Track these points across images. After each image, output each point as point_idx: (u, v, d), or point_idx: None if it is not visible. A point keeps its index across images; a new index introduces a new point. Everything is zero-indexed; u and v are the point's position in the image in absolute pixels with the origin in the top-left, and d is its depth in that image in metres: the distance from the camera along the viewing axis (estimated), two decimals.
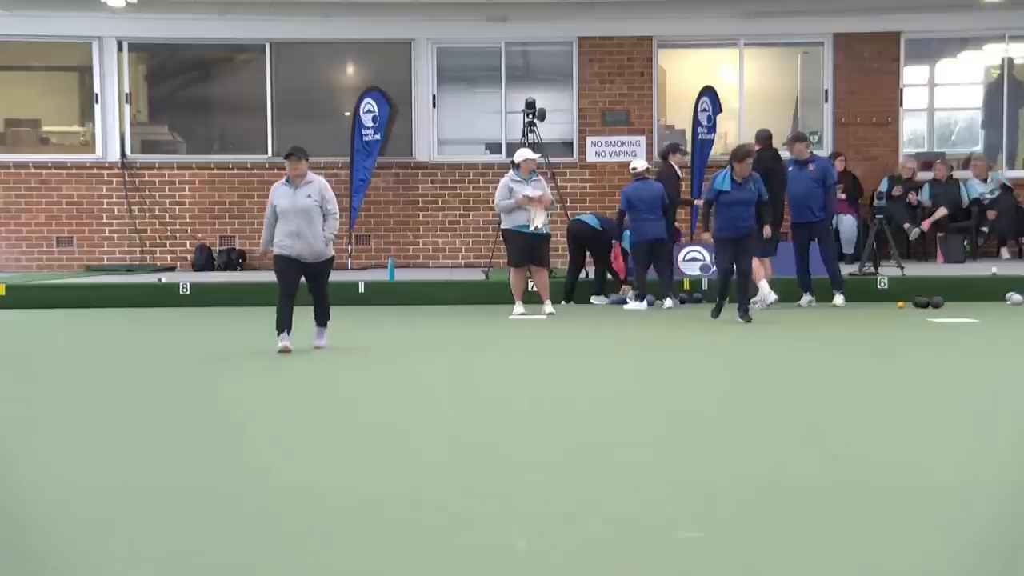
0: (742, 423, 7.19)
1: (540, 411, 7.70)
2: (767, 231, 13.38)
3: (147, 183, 18.84)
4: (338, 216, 10.90)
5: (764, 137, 14.59)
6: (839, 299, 14.16)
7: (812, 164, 14.27)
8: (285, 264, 10.68)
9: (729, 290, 12.85)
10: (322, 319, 11.00)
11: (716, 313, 12.89)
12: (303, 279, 10.83)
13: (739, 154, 12.75)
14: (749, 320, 12.41)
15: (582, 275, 15.54)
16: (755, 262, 13.61)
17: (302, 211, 10.61)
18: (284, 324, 10.54)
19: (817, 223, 14.10)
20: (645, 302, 14.55)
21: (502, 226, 14.07)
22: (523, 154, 13.99)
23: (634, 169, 14.67)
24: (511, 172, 13.91)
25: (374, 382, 9.12)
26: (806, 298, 14.33)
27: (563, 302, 15.01)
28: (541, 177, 14.17)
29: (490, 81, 19.09)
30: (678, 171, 15.08)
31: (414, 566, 4.39)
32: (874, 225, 15.83)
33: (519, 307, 13.83)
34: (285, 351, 10.38)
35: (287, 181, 10.81)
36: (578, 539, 4.68)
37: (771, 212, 13.53)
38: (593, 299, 15.26)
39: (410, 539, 4.70)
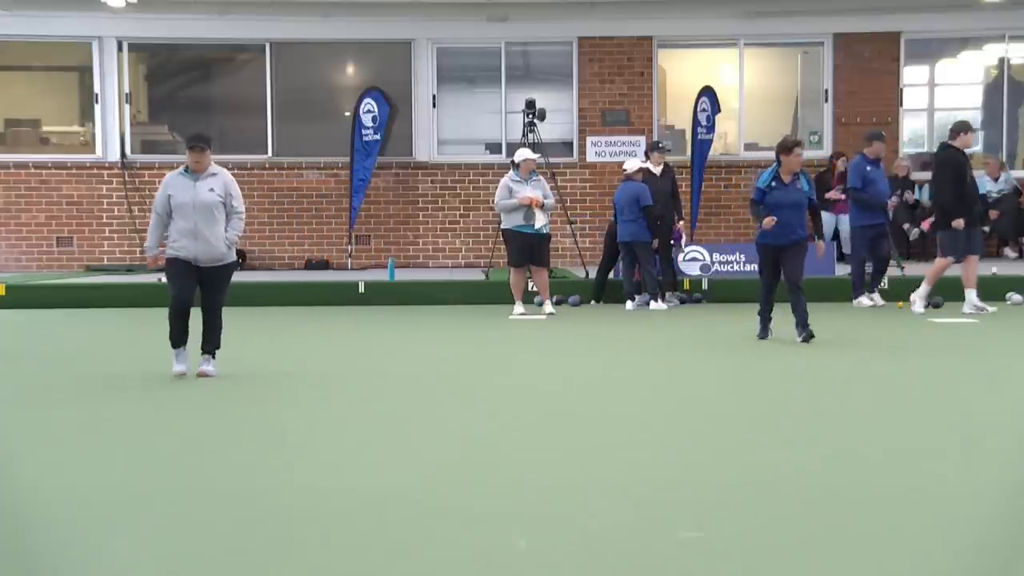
0: (741, 423, 7.19)
1: (539, 411, 7.70)
2: (820, 246, 11.60)
3: (147, 183, 18.82)
4: (244, 217, 9.37)
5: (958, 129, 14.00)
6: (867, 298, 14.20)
7: (881, 164, 14.19)
8: (179, 268, 9.08)
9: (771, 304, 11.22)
10: (210, 345, 9.25)
11: (762, 333, 11.15)
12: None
13: (785, 145, 10.97)
14: (809, 338, 10.70)
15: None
16: (967, 264, 12.98)
17: (203, 207, 9.03)
18: (179, 339, 9.10)
19: (885, 224, 14.08)
20: (643, 300, 14.68)
21: (502, 226, 14.07)
22: (522, 154, 13.98)
23: (624, 170, 14.71)
24: (511, 172, 13.91)
25: (373, 382, 9.12)
26: (868, 299, 14.17)
27: (592, 301, 14.99)
28: (541, 177, 14.15)
29: (490, 81, 19.09)
30: (654, 170, 14.96)
31: (414, 566, 4.39)
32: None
33: (519, 307, 13.83)
34: (181, 376, 9.04)
35: (185, 171, 9.18)
36: (578, 539, 4.68)
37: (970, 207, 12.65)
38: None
39: (410, 539, 4.70)
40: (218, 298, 9.28)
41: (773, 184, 10.93)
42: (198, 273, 9.12)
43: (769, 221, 10.81)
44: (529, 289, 14.36)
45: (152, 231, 9.29)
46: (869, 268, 15.12)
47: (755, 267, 15.98)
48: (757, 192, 11.08)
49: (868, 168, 14.06)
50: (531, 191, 13.66)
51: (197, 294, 9.23)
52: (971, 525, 4.83)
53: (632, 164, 14.67)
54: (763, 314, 11.18)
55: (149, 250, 9.34)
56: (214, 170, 9.23)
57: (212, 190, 9.10)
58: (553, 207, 14.22)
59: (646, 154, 15.59)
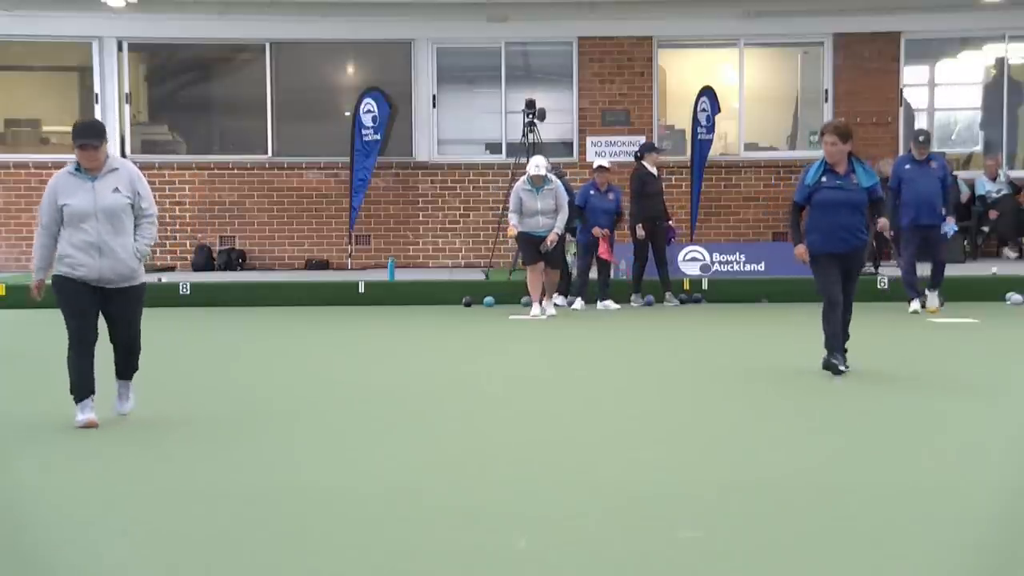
0: (742, 423, 7.20)
1: (539, 412, 7.70)
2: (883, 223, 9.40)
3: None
4: (156, 222, 7.36)
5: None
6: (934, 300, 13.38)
7: (934, 162, 13.47)
8: (77, 292, 7.10)
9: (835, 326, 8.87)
10: (127, 368, 7.41)
11: (834, 365, 8.71)
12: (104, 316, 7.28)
13: (832, 128, 8.88)
14: (845, 369, 8.73)
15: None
16: None
17: (107, 212, 7.09)
18: (85, 388, 7.11)
19: (935, 227, 13.24)
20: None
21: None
22: (532, 165, 13.88)
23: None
24: (523, 179, 13.84)
25: (373, 382, 9.12)
26: (916, 304, 13.42)
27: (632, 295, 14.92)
28: (556, 182, 13.83)
29: (490, 81, 19.07)
30: (652, 170, 15.01)
31: (414, 565, 4.39)
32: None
33: (535, 308, 13.71)
34: (90, 426, 7.05)
35: (77, 169, 7.17)
36: (578, 539, 4.68)
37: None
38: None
39: (410, 538, 4.70)
40: (132, 327, 7.32)
41: (823, 179, 8.80)
42: (101, 297, 7.18)
43: (801, 252, 8.87)
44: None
45: (39, 249, 7.22)
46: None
47: (755, 267, 16.10)
48: (801, 191, 8.94)
49: (907, 167, 13.47)
50: (541, 202, 13.59)
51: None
52: (972, 525, 4.83)
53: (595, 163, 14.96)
54: (835, 345, 8.80)
55: (38, 273, 7.26)
56: (114, 164, 7.25)
57: (117, 190, 7.15)
58: (563, 225, 13.79)
59: (636, 156, 15.56)
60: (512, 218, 13.79)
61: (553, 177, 13.83)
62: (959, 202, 13.76)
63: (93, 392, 7.14)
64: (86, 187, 7.11)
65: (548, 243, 13.56)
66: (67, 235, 7.11)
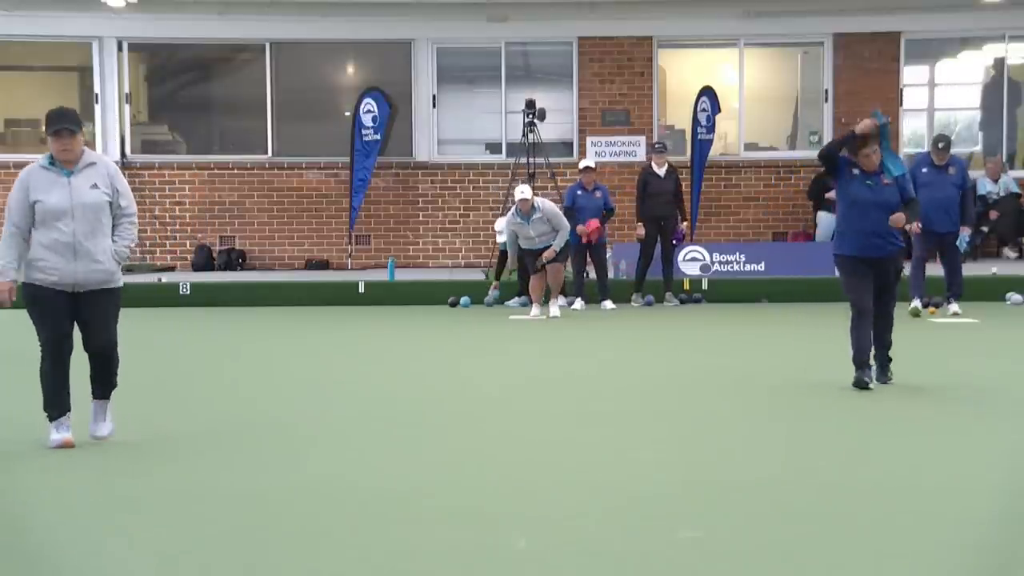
0: (742, 423, 7.20)
1: (539, 412, 7.70)
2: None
3: (147, 183, 18.82)
4: (136, 221, 6.88)
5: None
6: (955, 307, 13.01)
7: (952, 168, 13.05)
8: (50, 300, 6.61)
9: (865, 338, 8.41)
10: (104, 387, 6.87)
11: (862, 381, 8.20)
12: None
13: (863, 131, 8.29)
14: (887, 380, 8.41)
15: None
16: None
17: (85, 211, 6.55)
18: (60, 404, 6.62)
19: (951, 233, 12.90)
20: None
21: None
22: (517, 191, 13.82)
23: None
24: (512, 210, 13.76)
25: (373, 382, 9.12)
26: (916, 303, 13.07)
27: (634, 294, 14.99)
28: (544, 204, 13.69)
29: (490, 81, 19.08)
30: (657, 171, 15.05)
31: (414, 565, 4.40)
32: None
33: (535, 309, 13.71)
34: (66, 446, 6.54)
35: (51, 163, 6.58)
36: (578, 539, 4.69)
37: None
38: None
39: (411, 538, 4.71)
40: (109, 336, 6.87)
41: (854, 170, 8.32)
42: (75, 302, 6.68)
43: (865, 124, 8.14)
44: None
45: (8, 250, 6.56)
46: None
47: (755, 267, 16.11)
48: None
49: (924, 170, 13.05)
50: (533, 229, 13.50)
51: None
52: (972, 525, 4.83)
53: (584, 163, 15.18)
54: (861, 359, 8.31)
55: (6, 273, 6.60)
56: (91, 158, 6.68)
57: (95, 186, 6.60)
58: (561, 243, 13.63)
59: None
60: (510, 251, 13.88)
61: (540, 203, 13.66)
62: (972, 209, 13.26)
63: (69, 409, 6.65)
64: (61, 183, 6.53)
65: (544, 258, 13.54)
66: (38, 235, 6.54)
